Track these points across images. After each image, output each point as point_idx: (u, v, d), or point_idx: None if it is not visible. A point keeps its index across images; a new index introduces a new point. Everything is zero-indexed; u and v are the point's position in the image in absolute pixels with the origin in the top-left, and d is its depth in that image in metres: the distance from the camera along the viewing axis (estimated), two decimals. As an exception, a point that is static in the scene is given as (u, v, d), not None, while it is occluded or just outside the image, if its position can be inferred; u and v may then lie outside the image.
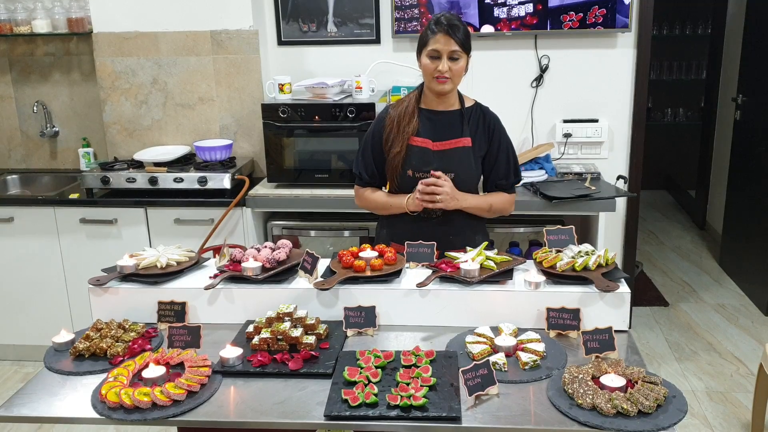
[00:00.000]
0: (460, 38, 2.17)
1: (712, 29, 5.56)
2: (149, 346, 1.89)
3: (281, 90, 3.41)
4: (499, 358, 1.73)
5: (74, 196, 3.45)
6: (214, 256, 2.40)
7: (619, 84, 3.57)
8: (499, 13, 3.44)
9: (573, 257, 2.02)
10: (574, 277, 1.96)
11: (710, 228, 5.47)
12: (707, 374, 3.42)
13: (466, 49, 2.21)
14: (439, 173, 2.21)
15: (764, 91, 4.11)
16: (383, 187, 2.45)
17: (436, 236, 2.19)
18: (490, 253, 2.09)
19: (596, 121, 3.58)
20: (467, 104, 2.35)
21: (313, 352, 1.80)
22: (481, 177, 2.41)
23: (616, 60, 3.54)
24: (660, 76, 6.16)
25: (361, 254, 2.10)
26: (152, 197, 3.36)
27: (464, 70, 2.24)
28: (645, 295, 4.33)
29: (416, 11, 3.48)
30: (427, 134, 2.29)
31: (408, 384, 1.62)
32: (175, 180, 3.33)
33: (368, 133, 2.39)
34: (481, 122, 2.33)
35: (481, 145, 2.32)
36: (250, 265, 2.04)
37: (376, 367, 1.71)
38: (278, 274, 2.06)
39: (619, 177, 3.48)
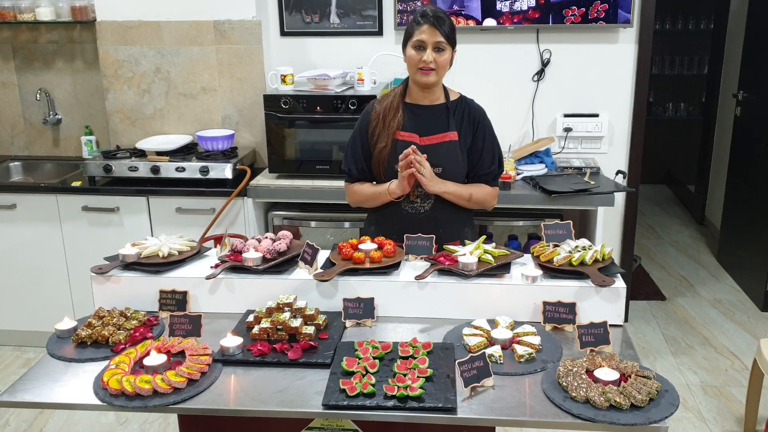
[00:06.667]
0: (446, 30, 2.18)
1: (715, 25, 5.57)
2: (150, 334, 1.92)
3: (283, 81, 3.42)
4: (495, 350, 1.76)
5: (76, 183, 3.47)
6: (215, 246, 2.43)
7: (620, 79, 3.58)
8: (502, 6, 3.44)
9: (570, 252, 2.04)
10: (571, 271, 1.98)
11: (709, 223, 5.49)
12: (702, 368, 3.45)
13: (452, 42, 2.21)
14: (413, 148, 2.16)
15: (765, 88, 4.12)
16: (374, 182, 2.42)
17: (423, 231, 2.16)
18: (488, 247, 2.11)
19: (597, 116, 3.60)
20: (452, 98, 2.34)
21: (312, 342, 1.82)
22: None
23: (617, 55, 3.54)
24: (662, 71, 6.15)
25: (360, 246, 2.12)
26: (154, 186, 3.38)
27: (449, 64, 2.24)
28: (642, 289, 4.35)
29: (419, 3, 3.48)
30: (414, 129, 2.29)
31: (405, 375, 1.65)
32: (177, 169, 3.35)
33: (355, 128, 2.37)
34: (467, 115, 2.32)
35: (466, 138, 2.31)
36: (251, 255, 2.06)
37: (374, 358, 1.73)
38: (278, 264, 2.08)
39: (619, 172, 3.50)
